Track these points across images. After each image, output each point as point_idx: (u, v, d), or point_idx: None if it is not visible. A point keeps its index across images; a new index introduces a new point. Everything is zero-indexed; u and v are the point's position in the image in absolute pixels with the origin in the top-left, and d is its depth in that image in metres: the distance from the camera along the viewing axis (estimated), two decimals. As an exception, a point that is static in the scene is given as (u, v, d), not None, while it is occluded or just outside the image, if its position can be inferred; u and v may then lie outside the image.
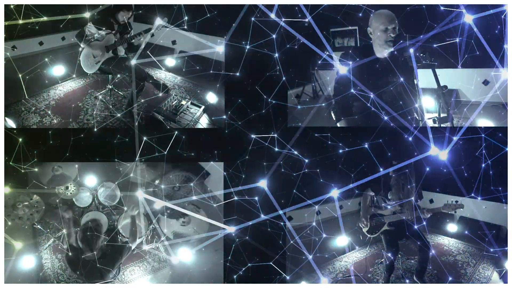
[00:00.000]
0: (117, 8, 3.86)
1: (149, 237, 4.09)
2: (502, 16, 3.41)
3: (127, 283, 3.89)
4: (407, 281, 4.06)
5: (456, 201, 3.75)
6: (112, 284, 3.69)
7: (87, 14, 3.78)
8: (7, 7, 3.64)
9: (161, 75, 4.64)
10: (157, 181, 4.06)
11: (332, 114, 3.50)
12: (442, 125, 3.51)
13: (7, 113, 3.85)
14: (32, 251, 3.95)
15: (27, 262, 3.80)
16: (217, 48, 3.69)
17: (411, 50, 3.29)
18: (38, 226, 3.92)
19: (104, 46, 3.94)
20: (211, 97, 4.20)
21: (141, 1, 3.99)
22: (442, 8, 3.40)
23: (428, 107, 3.50)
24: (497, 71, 3.33)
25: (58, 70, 4.26)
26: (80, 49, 4.00)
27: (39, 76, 4.18)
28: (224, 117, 3.80)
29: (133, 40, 3.96)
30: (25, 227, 3.87)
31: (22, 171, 3.61)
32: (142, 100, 4.07)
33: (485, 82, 3.65)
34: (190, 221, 3.98)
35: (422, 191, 4.08)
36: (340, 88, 3.48)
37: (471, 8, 3.33)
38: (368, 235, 4.13)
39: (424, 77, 3.37)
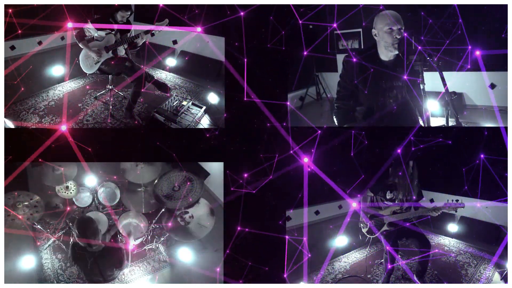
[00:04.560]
0: (116, 8, 3.82)
1: (149, 237, 4.08)
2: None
3: (127, 283, 3.89)
4: (407, 281, 4.07)
5: (457, 200, 3.74)
6: (112, 284, 3.69)
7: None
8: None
9: (162, 75, 4.61)
10: (156, 181, 4.05)
11: (334, 118, 3.48)
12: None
13: (6, 114, 3.82)
14: (32, 251, 3.94)
15: (27, 262, 3.79)
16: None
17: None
18: (38, 226, 3.90)
19: (104, 46, 3.91)
20: (212, 98, 4.17)
21: (141, 1, 3.96)
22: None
23: (433, 111, 3.47)
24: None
25: (57, 70, 4.24)
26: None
27: (38, 76, 4.16)
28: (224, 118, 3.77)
29: (135, 40, 3.93)
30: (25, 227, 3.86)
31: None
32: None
33: (492, 86, 3.63)
34: (193, 217, 3.98)
35: (422, 190, 4.08)
36: (342, 91, 3.45)
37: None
38: (368, 236, 4.13)
39: (430, 81, 3.34)
